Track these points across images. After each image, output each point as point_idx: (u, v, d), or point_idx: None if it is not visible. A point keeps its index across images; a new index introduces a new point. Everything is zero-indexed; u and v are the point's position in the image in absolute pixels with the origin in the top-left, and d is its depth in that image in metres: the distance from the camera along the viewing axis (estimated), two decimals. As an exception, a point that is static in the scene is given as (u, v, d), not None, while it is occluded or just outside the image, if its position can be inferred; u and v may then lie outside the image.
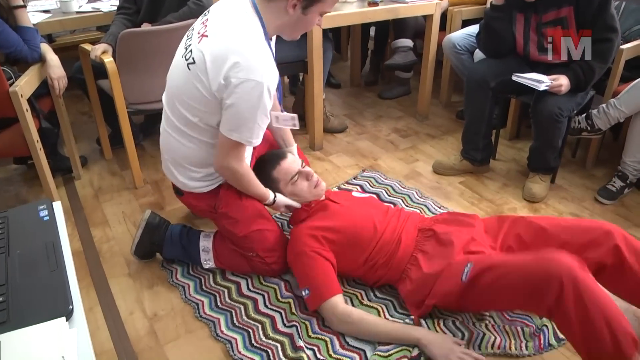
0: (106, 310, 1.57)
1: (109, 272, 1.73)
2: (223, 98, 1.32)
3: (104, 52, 2.03)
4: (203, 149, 1.50)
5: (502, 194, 2.16)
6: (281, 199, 1.63)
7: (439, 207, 2.03)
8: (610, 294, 1.21)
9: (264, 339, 1.43)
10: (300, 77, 2.78)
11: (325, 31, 2.39)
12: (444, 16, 2.76)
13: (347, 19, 2.40)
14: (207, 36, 1.34)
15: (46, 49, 1.95)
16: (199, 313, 1.54)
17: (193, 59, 1.35)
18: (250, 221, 1.58)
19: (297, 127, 1.69)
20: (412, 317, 1.45)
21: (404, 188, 2.18)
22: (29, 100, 1.81)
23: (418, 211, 1.96)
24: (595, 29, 1.90)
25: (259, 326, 1.47)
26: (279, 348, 1.39)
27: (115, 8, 2.33)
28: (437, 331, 1.38)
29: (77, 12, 2.44)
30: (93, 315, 1.55)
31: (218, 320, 1.50)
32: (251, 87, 1.27)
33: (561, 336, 1.39)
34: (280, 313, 1.52)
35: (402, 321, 1.45)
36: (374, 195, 2.10)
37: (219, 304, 1.57)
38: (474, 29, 2.62)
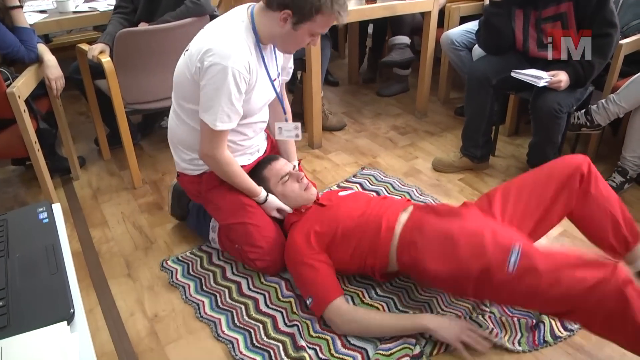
0: (106, 312, 1.57)
1: (109, 273, 1.73)
2: (200, 80, 1.43)
3: (101, 52, 2.02)
4: (191, 133, 1.59)
5: (502, 191, 2.16)
6: (273, 200, 1.64)
7: (439, 205, 2.03)
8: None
9: (265, 339, 1.42)
10: (298, 76, 2.77)
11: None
12: (441, 13, 2.75)
13: (345, 16, 2.39)
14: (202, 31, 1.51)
15: (43, 49, 1.94)
16: (199, 313, 1.53)
17: (189, 47, 1.51)
18: (230, 211, 1.62)
19: (300, 138, 1.78)
20: (414, 313, 1.45)
21: (403, 185, 2.18)
22: (27, 101, 1.80)
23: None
24: (594, 24, 1.89)
25: (260, 326, 1.47)
26: (281, 348, 1.39)
27: (112, 7, 2.32)
28: (442, 313, 1.38)
29: (74, 12, 2.42)
30: (93, 316, 1.55)
31: (219, 321, 1.50)
32: (217, 70, 1.38)
33: (558, 334, 1.39)
34: (282, 312, 1.51)
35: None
36: (374, 193, 2.09)
37: (219, 304, 1.56)
38: (472, 25, 2.61)
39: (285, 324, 1.47)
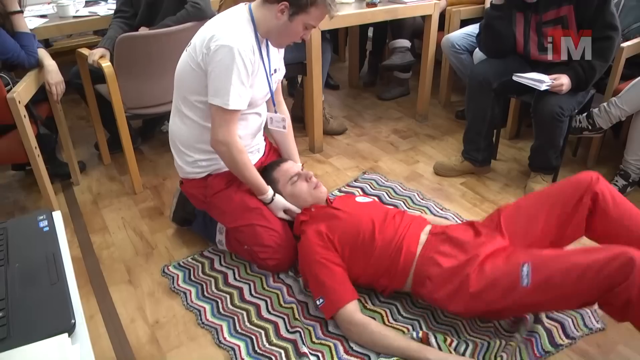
0: (107, 318, 1.55)
1: (109, 279, 1.72)
2: (206, 66, 1.48)
3: (101, 57, 2.01)
4: (196, 129, 1.61)
5: (504, 195, 2.15)
6: (280, 200, 1.64)
7: (441, 209, 2.02)
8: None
9: (267, 345, 1.41)
10: (299, 79, 2.77)
11: (323, 33, 2.38)
12: (442, 16, 2.75)
13: (345, 20, 2.39)
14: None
15: (43, 54, 1.94)
16: (201, 320, 1.52)
17: (190, 43, 1.56)
18: (237, 214, 1.63)
19: (285, 130, 1.82)
20: (417, 320, 1.44)
21: (405, 190, 2.17)
22: (27, 107, 1.80)
23: (419, 213, 1.94)
24: (595, 27, 1.89)
25: (262, 332, 1.46)
26: (283, 354, 1.37)
27: (112, 12, 2.32)
28: (449, 352, 1.34)
29: (74, 17, 2.43)
30: (94, 323, 1.54)
31: (220, 327, 1.49)
32: (225, 51, 1.44)
33: (559, 342, 1.35)
34: (284, 318, 1.50)
35: (408, 329, 1.43)
36: (376, 198, 2.09)
37: (221, 310, 1.55)
38: (472, 28, 2.61)
39: (288, 330, 1.46)
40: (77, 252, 1.86)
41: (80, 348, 0.64)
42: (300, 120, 2.79)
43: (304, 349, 1.37)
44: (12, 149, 1.84)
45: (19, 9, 1.87)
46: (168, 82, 1.67)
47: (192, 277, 1.70)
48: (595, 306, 1.25)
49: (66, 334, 0.65)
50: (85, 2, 2.75)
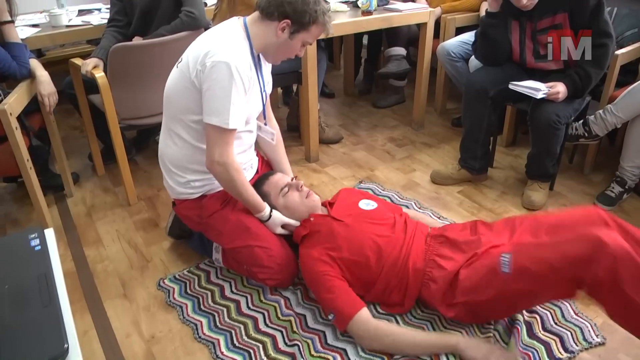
0: (101, 334, 1.52)
1: (104, 294, 1.68)
2: (201, 84, 1.42)
3: (95, 67, 1.99)
4: (186, 148, 1.57)
5: (502, 203, 2.14)
6: (277, 215, 1.61)
7: (439, 218, 2.00)
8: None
9: (265, 359, 1.39)
10: (294, 88, 2.76)
11: (318, 41, 2.37)
12: (437, 24, 2.75)
13: (341, 28, 2.38)
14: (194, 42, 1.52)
15: (36, 64, 1.91)
16: (198, 334, 1.49)
17: (181, 59, 1.51)
18: (234, 235, 1.59)
19: (274, 142, 1.79)
20: (421, 328, 1.43)
21: (402, 199, 2.15)
22: (19, 118, 1.77)
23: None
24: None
25: (260, 346, 1.43)
26: (281, 369, 1.35)
27: (106, 21, 2.30)
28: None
29: (67, 26, 2.41)
30: (88, 339, 1.50)
31: (218, 341, 1.46)
32: (221, 68, 1.38)
33: (557, 355, 1.34)
34: (282, 332, 1.48)
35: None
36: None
37: (218, 324, 1.53)
38: (468, 36, 2.62)
39: (286, 344, 1.43)
40: (70, 265, 1.82)
41: (73, 374, 0.62)
42: (295, 129, 2.78)
43: (303, 364, 1.34)
44: (4, 162, 1.81)
45: (9, 18, 1.85)
46: (162, 92, 1.64)
47: (188, 290, 1.67)
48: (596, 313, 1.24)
49: (59, 360, 0.63)
50: (79, 11, 2.73)
